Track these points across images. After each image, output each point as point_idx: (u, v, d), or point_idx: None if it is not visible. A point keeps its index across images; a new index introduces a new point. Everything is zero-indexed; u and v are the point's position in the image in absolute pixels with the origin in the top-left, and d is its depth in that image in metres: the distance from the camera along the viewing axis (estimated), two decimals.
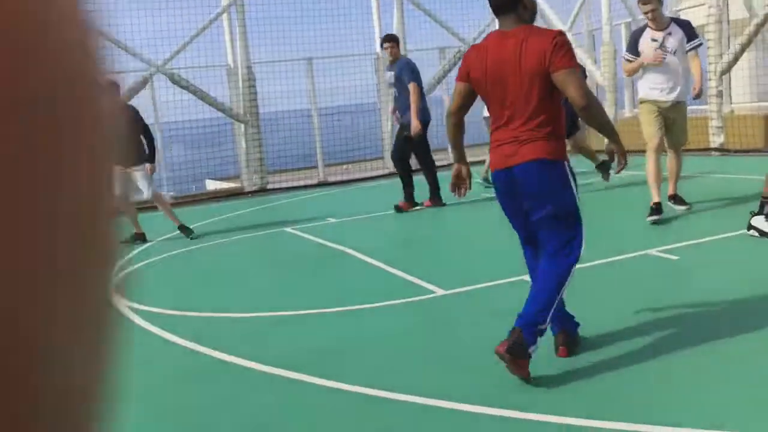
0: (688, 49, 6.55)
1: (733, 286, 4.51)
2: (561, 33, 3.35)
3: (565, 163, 3.40)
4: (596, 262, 5.37)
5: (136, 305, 5.21)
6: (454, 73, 13.03)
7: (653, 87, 6.58)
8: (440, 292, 5.10)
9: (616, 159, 3.59)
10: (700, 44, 6.74)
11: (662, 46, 6.47)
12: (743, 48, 10.67)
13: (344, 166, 15.07)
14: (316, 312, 4.91)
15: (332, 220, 8.70)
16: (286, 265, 6.67)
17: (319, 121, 13.23)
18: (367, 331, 4.47)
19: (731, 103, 12.02)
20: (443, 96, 14.33)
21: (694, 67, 6.65)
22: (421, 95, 8.60)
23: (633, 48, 6.65)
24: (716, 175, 9.02)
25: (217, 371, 3.98)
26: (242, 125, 12.38)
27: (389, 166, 13.65)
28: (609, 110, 12.85)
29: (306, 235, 7.73)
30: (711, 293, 4.45)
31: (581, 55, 13.48)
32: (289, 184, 12.72)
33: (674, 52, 6.49)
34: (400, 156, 8.91)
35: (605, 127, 3.44)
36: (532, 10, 3.47)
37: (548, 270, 3.37)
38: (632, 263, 5.37)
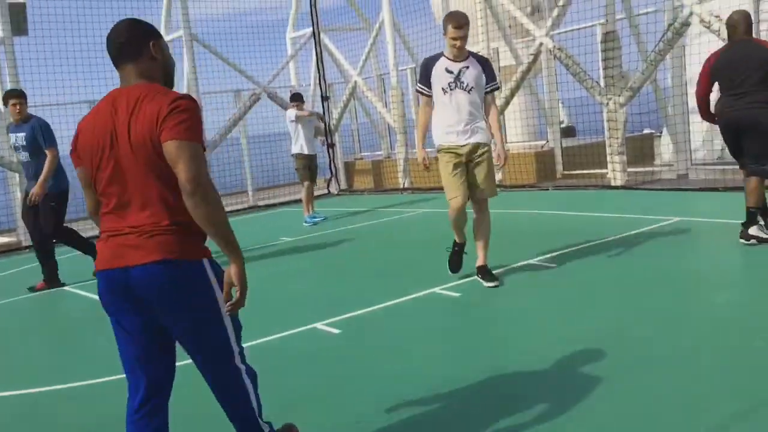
0: (486, 90, 5.69)
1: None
2: (186, 97, 2.49)
3: (205, 262, 2.54)
4: (385, 304, 5.52)
5: None
6: (251, 115, 12.94)
7: (448, 130, 5.64)
8: None
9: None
10: (498, 88, 5.93)
11: (457, 79, 5.57)
12: (513, 92, 11.73)
13: None
14: (87, 384, 4.53)
15: None
16: (59, 331, 6.12)
17: None
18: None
19: (506, 143, 13.14)
20: (240, 138, 14.22)
21: (493, 120, 5.76)
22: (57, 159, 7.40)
23: (425, 79, 5.68)
24: (498, 210, 9.75)
25: None
26: (16, 174, 11.34)
27: None
28: (400, 150, 13.49)
29: (85, 293, 7.18)
30: (494, 323, 4.73)
31: (372, 98, 14.08)
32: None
33: (470, 90, 5.59)
34: (50, 233, 7.68)
35: (218, 231, 2.43)
36: (166, 64, 2.65)
37: (221, 384, 2.72)
38: (419, 302, 5.58)
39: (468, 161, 5.65)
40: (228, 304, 2.54)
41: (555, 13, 11.46)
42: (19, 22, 11.24)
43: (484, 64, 5.72)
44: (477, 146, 5.64)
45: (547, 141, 12.88)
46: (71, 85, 13.24)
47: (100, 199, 2.58)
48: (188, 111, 2.44)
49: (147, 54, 2.58)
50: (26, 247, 11.18)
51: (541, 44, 11.30)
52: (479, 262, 5.81)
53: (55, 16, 12.06)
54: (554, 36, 11.41)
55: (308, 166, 10.60)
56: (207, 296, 2.56)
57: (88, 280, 7.79)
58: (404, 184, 13.57)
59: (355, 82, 14.16)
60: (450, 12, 5.75)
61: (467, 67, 5.60)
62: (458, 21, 5.50)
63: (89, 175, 2.58)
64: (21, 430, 3.97)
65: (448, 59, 5.62)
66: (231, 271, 2.50)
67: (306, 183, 10.66)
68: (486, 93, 5.70)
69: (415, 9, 14.06)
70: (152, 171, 2.46)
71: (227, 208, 13.23)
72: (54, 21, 12.09)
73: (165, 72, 2.64)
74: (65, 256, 10.14)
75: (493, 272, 5.81)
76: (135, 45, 2.57)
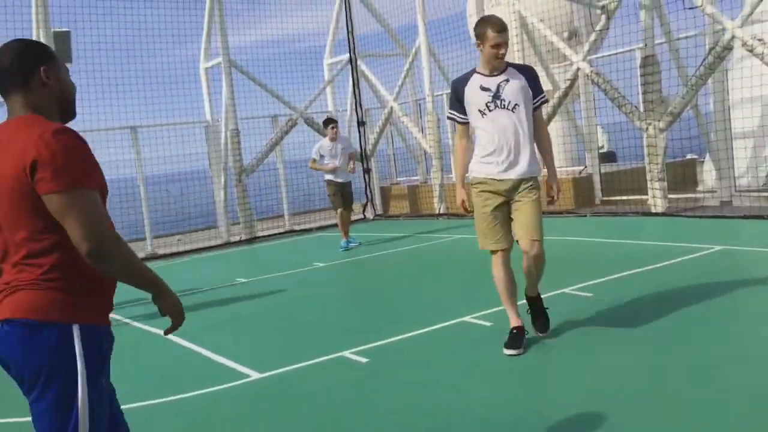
0: (534, 104, 4.64)
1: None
2: (62, 131, 2.07)
3: (74, 327, 2.11)
4: (415, 333, 5.42)
5: None
6: (287, 140, 12.95)
7: (486, 160, 4.64)
8: (256, 375, 4.89)
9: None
10: (546, 101, 4.92)
11: (496, 96, 4.57)
12: (550, 117, 11.59)
13: (176, 237, 14.51)
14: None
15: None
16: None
17: (146, 192, 12.68)
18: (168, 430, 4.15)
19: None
20: (277, 162, 14.33)
21: (544, 143, 4.76)
22: None
23: (457, 103, 4.72)
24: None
25: None
26: None
27: (224, 235, 13.32)
28: (436, 176, 13.42)
29: (123, 318, 7.23)
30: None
31: (408, 124, 14.07)
32: None
33: (513, 107, 4.55)
34: None
35: (136, 280, 2.17)
36: (62, 91, 2.27)
37: None
38: (449, 331, 5.46)
39: (509, 199, 4.63)
40: (167, 329, 2.36)
41: (592, 37, 11.33)
42: (63, 50, 11.55)
43: (528, 73, 4.66)
44: (521, 181, 4.58)
45: (585, 167, 12.67)
46: (111, 110, 13.47)
47: None
48: (67, 151, 2.04)
49: (37, 80, 2.21)
50: None
51: (578, 69, 11.16)
52: (530, 293, 4.98)
53: (98, 44, 12.40)
54: (592, 61, 11.27)
55: (340, 193, 10.52)
56: (65, 366, 2.10)
57: (122, 306, 7.86)
58: (440, 209, 13.47)
59: (392, 107, 14.18)
60: (483, 17, 4.66)
61: (507, 81, 4.57)
62: (499, 24, 4.50)
63: None
64: None
65: (483, 75, 4.62)
66: (163, 305, 2.26)
67: (338, 210, 10.62)
68: (534, 109, 4.65)
69: (451, 34, 14.06)
70: (23, 215, 2.09)
71: (264, 233, 13.38)
72: (97, 49, 12.43)
73: (61, 99, 2.27)
74: None
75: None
76: (23, 71, 2.20)
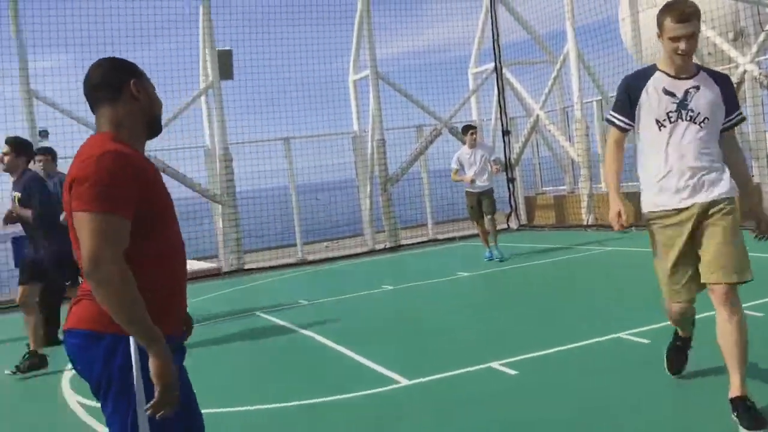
0: (725, 124, 3.75)
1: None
2: (103, 155, 2.12)
3: (131, 338, 2.15)
4: (565, 347, 5.27)
5: (83, 400, 5.02)
6: (432, 150, 12.91)
7: (663, 185, 3.69)
8: (405, 381, 4.95)
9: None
10: (744, 119, 3.97)
11: (682, 105, 3.67)
12: None
13: (324, 244, 15.04)
14: (268, 407, 4.74)
15: (304, 302, 8.57)
16: (248, 355, 6.51)
17: (297, 200, 13.26)
18: (320, 429, 4.30)
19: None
20: (421, 172, 14.48)
21: (739, 167, 3.80)
22: None
23: (626, 105, 3.80)
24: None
25: None
26: (219, 205, 12.38)
27: (369, 242, 13.63)
28: (584, 185, 12.98)
29: (276, 320, 7.58)
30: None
31: (554, 132, 13.74)
32: (267, 264, 12.62)
33: (702, 121, 3.65)
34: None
35: (119, 316, 2.08)
36: (151, 105, 2.34)
37: None
38: (602, 347, 5.25)
39: (696, 228, 3.65)
40: (149, 405, 2.10)
41: (761, 38, 10.51)
42: (226, 67, 12.37)
43: (723, 83, 3.74)
44: (711, 204, 3.61)
45: (752, 176, 11.75)
46: (267, 123, 14.22)
47: None
48: (103, 173, 2.09)
49: (127, 94, 2.28)
50: (226, 273, 12.12)
51: (745, 72, 10.39)
52: (734, 392, 3.58)
53: (256, 61, 13.14)
54: (761, 62, 10.46)
55: (477, 202, 10.26)
56: (119, 376, 2.16)
57: (277, 308, 8.26)
58: (588, 220, 13.01)
59: (538, 115, 13.91)
60: (668, 2, 3.67)
61: (697, 88, 3.67)
62: (681, 11, 3.56)
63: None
64: None
65: (668, 75, 3.71)
66: (152, 366, 2.09)
67: (476, 222, 10.48)
68: (726, 128, 3.75)
69: (602, 39, 13.55)
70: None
71: (408, 241, 13.55)
72: (255, 65, 13.18)
73: (149, 114, 2.35)
74: (255, 283, 10.86)
75: (758, 409, 3.52)
76: (113, 85, 2.27)
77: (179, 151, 12.67)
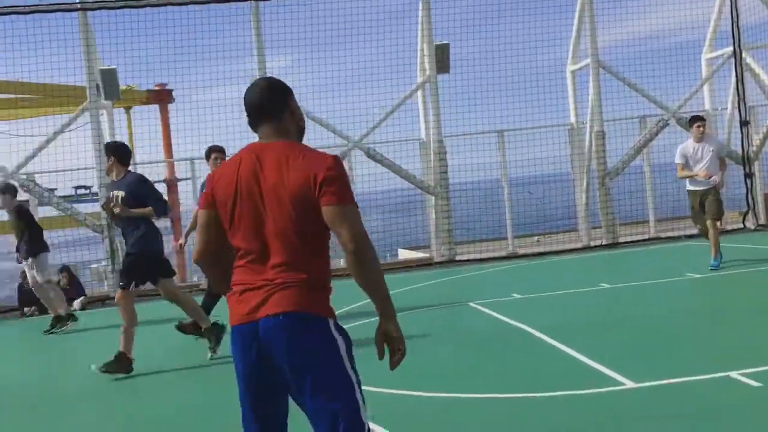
0: None
1: None
2: (337, 160, 2.55)
3: (330, 321, 2.52)
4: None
5: None
6: (656, 142, 11.95)
7: None
8: (630, 384, 4.66)
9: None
10: None
11: None
12: None
13: (535, 238, 14.72)
14: (487, 397, 4.70)
15: (517, 295, 8.42)
16: (462, 344, 6.52)
17: (509, 192, 13.09)
18: (538, 425, 4.17)
19: None
20: (644, 166, 13.61)
21: None
22: None
23: None
24: None
25: None
26: (432, 197, 12.60)
27: (584, 238, 13.11)
28: None
29: (489, 311, 7.53)
30: None
31: None
32: (478, 256, 12.63)
33: None
34: None
35: (374, 285, 2.52)
36: (300, 125, 2.69)
37: None
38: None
39: None
40: (391, 360, 2.58)
41: None
42: (443, 62, 12.52)
43: None
44: None
45: None
46: (481, 116, 14.17)
47: (236, 251, 2.58)
48: (343, 175, 2.53)
49: (287, 110, 2.64)
50: (437, 263, 12.32)
51: None
52: None
53: (471, 54, 13.18)
54: None
55: (699, 202, 9.05)
56: (332, 353, 2.49)
57: (489, 299, 8.22)
58: None
59: None
60: None
61: None
62: None
63: (219, 220, 2.60)
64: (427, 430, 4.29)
65: None
66: (386, 327, 2.54)
67: (698, 226, 9.34)
68: None
69: None
70: (295, 227, 2.48)
71: (627, 238, 12.81)
72: (470, 59, 13.23)
73: (300, 125, 2.69)
74: (469, 274, 10.89)
75: None
76: (277, 103, 2.63)
77: (395, 144, 13.09)
